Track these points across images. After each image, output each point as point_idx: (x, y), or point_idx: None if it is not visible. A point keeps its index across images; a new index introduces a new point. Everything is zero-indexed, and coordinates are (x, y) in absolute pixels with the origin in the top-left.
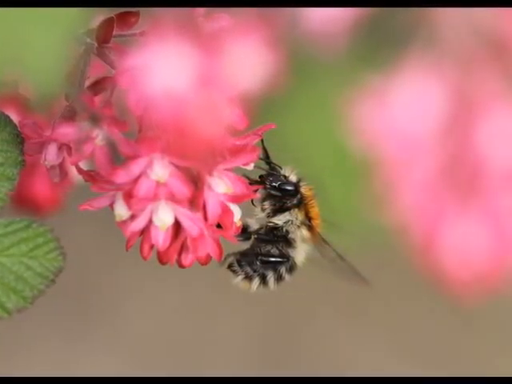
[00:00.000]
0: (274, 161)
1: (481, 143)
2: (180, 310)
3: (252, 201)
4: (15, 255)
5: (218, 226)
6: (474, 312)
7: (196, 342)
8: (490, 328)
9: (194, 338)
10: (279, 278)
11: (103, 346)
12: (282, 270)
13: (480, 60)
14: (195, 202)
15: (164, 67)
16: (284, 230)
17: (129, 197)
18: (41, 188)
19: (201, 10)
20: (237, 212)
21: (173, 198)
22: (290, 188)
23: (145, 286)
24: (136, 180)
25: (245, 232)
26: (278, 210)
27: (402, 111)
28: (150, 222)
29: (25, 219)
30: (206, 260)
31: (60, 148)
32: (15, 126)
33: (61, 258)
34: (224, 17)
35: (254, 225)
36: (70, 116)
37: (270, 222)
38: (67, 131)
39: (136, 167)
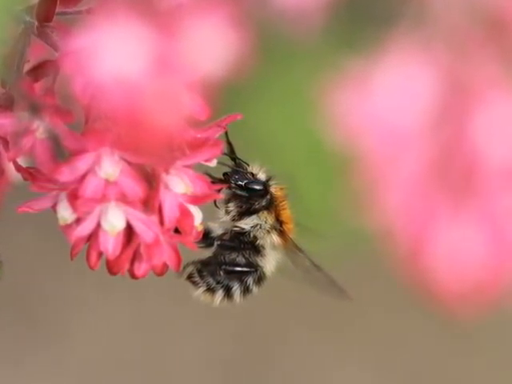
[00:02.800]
0: (239, 156)
1: (477, 136)
2: (132, 326)
3: (215, 202)
4: None
5: (176, 230)
6: (471, 328)
7: (150, 364)
8: (489, 346)
9: (148, 360)
10: (246, 291)
11: (45, 369)
12: (249, 281)
13: (476, 42)
14: (150, 203)
15: (114, 49)
16: (251, 235)
17: (74, 197)
18: None
19: None
20: (197, 215)
21: (124, 199)
22: (258, 187)
23: (92, 300)
24: (82, 178)
25: (207, 238)
26: (245, 212)
27: (386, 100)
28: (98, 226)
29: None
30: (163, 270)
31: None
32: None
33: None
34: None
35: (217, 230)
36: (6, 105)
37: (236, 227)
38: (3, 122)
39: (82, 164)
